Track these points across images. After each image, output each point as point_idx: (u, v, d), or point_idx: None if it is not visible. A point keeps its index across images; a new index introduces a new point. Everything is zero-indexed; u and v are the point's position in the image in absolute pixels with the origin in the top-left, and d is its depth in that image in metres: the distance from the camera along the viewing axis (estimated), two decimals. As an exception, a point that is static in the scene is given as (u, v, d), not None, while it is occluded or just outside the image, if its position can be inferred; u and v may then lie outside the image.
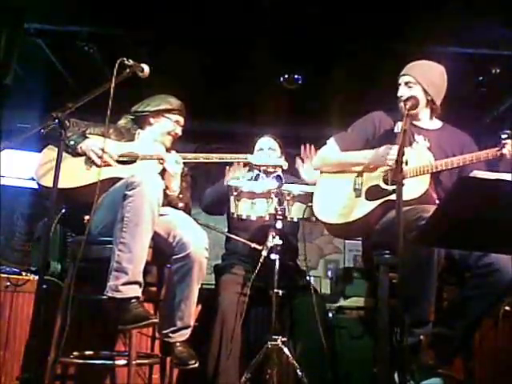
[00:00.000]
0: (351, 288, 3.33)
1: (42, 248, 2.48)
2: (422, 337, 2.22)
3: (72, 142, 2.56)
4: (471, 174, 2.48)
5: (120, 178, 2.47)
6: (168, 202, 2.64)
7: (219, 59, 4.25)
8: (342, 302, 3.30)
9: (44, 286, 2.18)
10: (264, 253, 2.66)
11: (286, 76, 4.40)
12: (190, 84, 4.09)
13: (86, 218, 2.47)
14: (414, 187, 2.41)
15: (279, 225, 2.64)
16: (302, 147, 3.19)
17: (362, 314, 3.23)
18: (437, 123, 2.75)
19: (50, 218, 2.18)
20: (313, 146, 3.11)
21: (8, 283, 2.89)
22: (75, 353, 2.57)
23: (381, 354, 2.37)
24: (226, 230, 3.26)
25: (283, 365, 2.54)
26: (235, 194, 2.70)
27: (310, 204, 2.70)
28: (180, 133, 2.85)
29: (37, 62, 4.32)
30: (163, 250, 2.46)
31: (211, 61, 4.25)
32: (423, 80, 2.62)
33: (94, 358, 2.67)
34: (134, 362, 2.36)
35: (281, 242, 2.62)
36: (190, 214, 2.72)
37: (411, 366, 2.15)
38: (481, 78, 4.20)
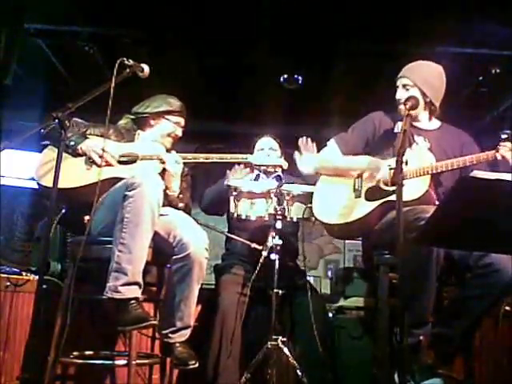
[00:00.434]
0: (351, 288, 3.33)
1: (42, 248, 2.48)
2: (421, 337, 2.22)
3: (72, 143, 2.56)
4: (471, 174, 2.48)
5: (120, 178, 2.47)
6: (168, 202, 2.64)
7: (219, 59, 4.26)
8: (342, 302, 3.30)
9: (44, 286, 2.18)
10: (264, 253, 2.66)
11: (286, 76, 4.40)
12: (190, 84, 4.10)
13: (86, 218, 2.47)
14: (414, 188, 2.41)
15: (279, 225, 2.64)
16: (300, 140, 3.12)
17: (362, 314, 3.23)
18: (436, 123, 2.74)
19: (50, 218, 2.18)
20: (310, 139, 3.06)
21: (8, 283, 2.89)
22: (75, 353, 2.57)
23: (381, 355, 2.37)
24: (226, 230, 3.26)
25: (283, 365, 2.54)
26: (235, 194, 2.70)
27: (309, 204, 2.70)
28: (180, 134, 2.84)
29: (37, 62, 4.32)
30: (163, 250, 2.46)
31: (211, 61, 4.26)
32: (421, 82, 2.61)
33: (93, 358, 2.67)
34: (133, 362, 2.36)
35: (281, 242, 2.62)
36: (190, 214, 2.72)
37: (411, 367, 2.15)
38: (481, 77, 4.20)
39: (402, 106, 2.55)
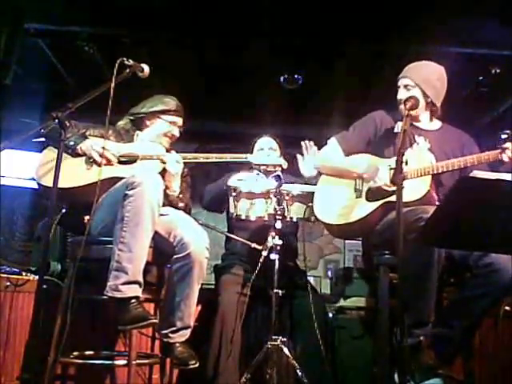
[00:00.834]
0: (351, 288, 3.33)
1: (41, 248, 2.47)
2: (421, 337, 2.22)
3: (72, 143, 2.55)
4: (471, 174, 2.48)
5: (120, 178, 2.46)
6: (168, 202, 2.64)
7: (219, 59, 4.26)
8: (342, 302, 3.30)
9: (44, 286, 2.18)
10: (264, 253, 2.66)
11: (286, 76, 4.40)
12: (190, 84, 4.10)
13: (86, 218, 2.47)
14: (415, 188, 2.41)
15: (279, 225, 2.63)
16: (302, 143, 3.14)
17: (362, 314, 3.23)
18: (437, 124, 2.74)
19: (50, 217, 2.18)
20: (312, 143, 3.08)
21: (8, 283, 2.89)
22: (75, 353, 2.57)
23: (381, 355, 2.37)
24: (226, 229, 3.26)
25: (283, 365, 2.54)
26: (234, 194, 2.70)
27: (309, 204, 2.70)
28: (177, 134, 2.82)
29: (37, 62, 4.32)
30: (164, 250, 2.46)
31: (211, 61, 4.26)
32: (422, 82, 2.61)
33: (93, 358, 2.67)
34: (133, 362, 2.36)
35: (280, 242, 2.62)
36: (190, 213, 2.72)
37: (411, 367, 2.15)
38: (481, 77, 4.20)
39: (402, 106, 2.55)
